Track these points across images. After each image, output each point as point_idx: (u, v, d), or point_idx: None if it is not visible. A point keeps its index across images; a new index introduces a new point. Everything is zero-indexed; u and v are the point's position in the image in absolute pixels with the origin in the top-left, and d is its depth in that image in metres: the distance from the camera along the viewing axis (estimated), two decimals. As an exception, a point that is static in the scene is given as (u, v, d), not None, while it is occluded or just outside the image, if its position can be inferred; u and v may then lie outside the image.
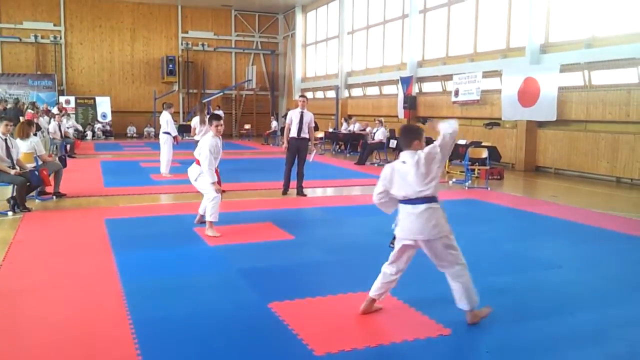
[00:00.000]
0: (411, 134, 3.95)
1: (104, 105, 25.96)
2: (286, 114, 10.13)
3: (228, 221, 7.13)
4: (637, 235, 6.97)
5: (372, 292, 4.11)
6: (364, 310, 4.12)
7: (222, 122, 6.80)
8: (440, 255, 3.89)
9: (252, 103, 30.01)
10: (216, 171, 6.73)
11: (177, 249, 5.99)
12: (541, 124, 14.11)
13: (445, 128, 3.93)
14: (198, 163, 6.67)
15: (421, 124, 16.36)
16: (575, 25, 13.26)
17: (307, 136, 9.61)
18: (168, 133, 12.14)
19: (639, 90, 11.58)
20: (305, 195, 9.68)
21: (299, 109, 9.58)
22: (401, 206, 3.92)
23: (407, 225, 3.87)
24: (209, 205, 6.53)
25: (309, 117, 9.62)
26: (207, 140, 6.58)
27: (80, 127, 21.47)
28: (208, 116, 8.93)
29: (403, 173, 3.86)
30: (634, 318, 4.14)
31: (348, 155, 18.09)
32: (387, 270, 4.06)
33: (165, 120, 12.20)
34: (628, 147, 11.70)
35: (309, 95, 27.91)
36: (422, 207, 3.80)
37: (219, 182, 7.04)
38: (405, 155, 3.90)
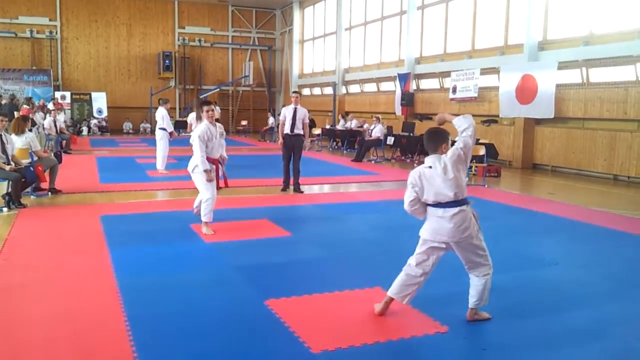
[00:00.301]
0: (438, 138, 3.87)
1: (100, 101, 25.86)
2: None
3: (224, 218, 7.10)
4: (634, 233, 6.97)
5: (393, 293, 3.98)
6: (380, 311, 4.01)
7: (212, 107, 6.58)
8: (469, 256, 3.88)
9: (249, 99, 29.97)
10: (216, 163, 6.61)
11: (173, 245, 5.95)
12: (539, 121, 14.10)
13: (462, 123, 3.88)
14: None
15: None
16: (573, 23, 13.25)
17: (301, 132, 9.60)
18: (164, 129, 12.09)
19: (637, 87, 11.57)
20: (302, 192, 9.65)
21: (292, 105, 9.61)
22: (430, 209, 3.87)
23: (438, 228, 3.82)
24: (203, 206, 6.44)
25: (302, 113, 9.63)
26: (198, 127, 6.47)
27: (67, 123, 20.92)
28: None
29: (430, 178, 3.79)
30: (631, 315, 4.13)
31: (345, 152, 18.06)
32: (412, 272, 3.96)
33: (161, 116, 12.15)
34: (625, 145, 11.70)
35: (306, 91, 27.90)
36: (454, 210, 3.75)
37: (225, 180, 6.98)
38: (430, 159, 3.84)
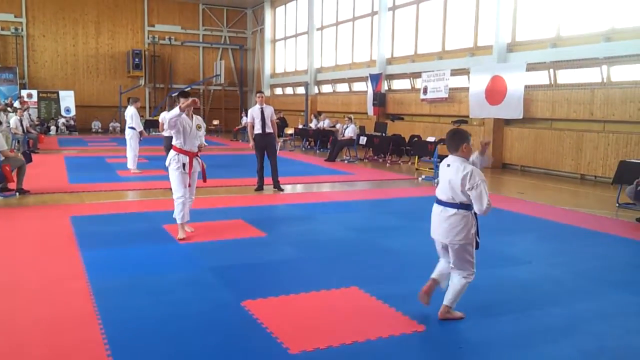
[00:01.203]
0: (459, 138, 3.92)
1: (67, 100, 25.35)
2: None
3: (198, 218, 7.04)
4: (602, 231, 7.14)
5: (436, 275, 4.14)
6: (426, 289, 4.09)
7: (194, 99, 6.15)
8: (456, 258, 3.94)
9: (221, 98, 29.77)
10: (191, 156, 6.22)
11: (147, 246, 5.88)
12: (508, 122, 14.33)
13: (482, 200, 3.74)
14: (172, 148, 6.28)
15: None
16: (541, 25, 13.51)
17: (272, 130, 9.64)
18: (133, 128, 11.92)
19: (603, 89, 11.86)
20: (282, 190, 9.78)
21: (258, 106, 9.66)
22: (434, 205, 3.99)
23: (434, 226, 3.99)
24: (175, 205, 6.21)
25: (269, 111, 9.72)
26: (171, 111, 6.14)
27: (34, 122, 20.33)
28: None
29: (443, 175, 3.92)
30: (602, 312, 4.22)
31: (318, 151, 18.08)
32: (441, 263, 4.16)
33: (130, 114, 11.99)
34: (592, 145, 11.98)
35: (279, 91, 27.87)
36: (451, 211, 3.85)
37: (204, 175, 6.72)
38: (450, 159, 3.93)
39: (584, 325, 3.95)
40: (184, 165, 6.17)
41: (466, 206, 3.81)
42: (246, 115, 24.67)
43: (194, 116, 6.37)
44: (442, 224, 3.89)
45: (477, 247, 3.95)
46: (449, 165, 3.89)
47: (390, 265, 5.41)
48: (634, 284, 4.95)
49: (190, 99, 6.10)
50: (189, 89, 27.52)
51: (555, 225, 7.49)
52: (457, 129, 4.05)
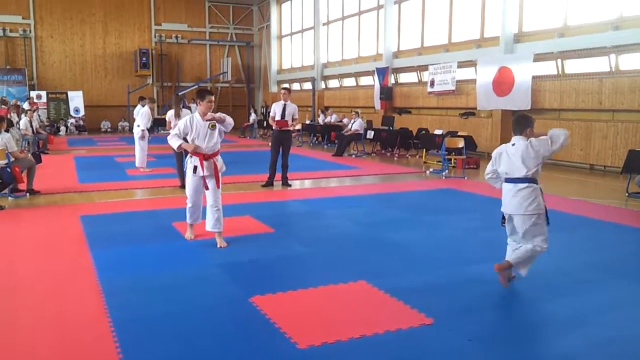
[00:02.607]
0: (525, 122, 4.42)
1: (76, 100, 25.50)
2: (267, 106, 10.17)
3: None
4: (612, 221, 7.10)
5: (509, 257, 4.45)
6: (500, 267, 4.40)
7: (211, 97, 5.88)
8: (528, 230, 4.33)
9: (228, 95, 29.82)
10: (201, 157, 5.71)
11: (156, 244, 5.92)
12: (516, 113, 14.23)
13: (558, 136, 4.31)
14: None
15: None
16: (548, 15, 13.41)
17: (290, 128, 9.67)
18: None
19: (611, 78, 11.76)
20: (290, 186, 9.83)
21: (282, 102, 9.65)
22: (504, 184, 4.42)
23: (507, 201, 4.38)
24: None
25: (291, 108, 9.70)
26: (185, 119, 5.84)
27: (43, 123, 20.43)
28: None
29: (511, 154, 4.35)
30: (611, 303, 4.21)
31: (326, 147, 18.08)
32: (510, 245, 4.53)
33: (140, 113, 12.08)
34: (600, 135, 11.90)
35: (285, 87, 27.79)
36: (522, 185, 4.28)
37: (216, 179, 5.98)
38: (515, 139, 4.39)
39: (594, 316, 3.93)
40: (195, 167, 5.79)
41: (535, 180, 4.30)
42: (255, 112, 24.89)
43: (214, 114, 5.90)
44: (514, 198, 4.30)
45: (548, 223, 4.37)
46: (513, 145, 4.36)
47: (398, 259, 5.42)
48: (643, 274, 4.93)
49: (206, 101, 5.76)
50: (196, 87, 27.62)
51: (564, 215, 7.45)
52: (524, 114, 4.51)
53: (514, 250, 4.50)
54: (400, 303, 4.15)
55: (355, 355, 3.35)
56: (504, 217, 4.53)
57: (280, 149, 9.74)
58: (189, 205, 6.03)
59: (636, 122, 11.22)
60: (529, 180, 4.28)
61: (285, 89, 9.88)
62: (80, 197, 8.89)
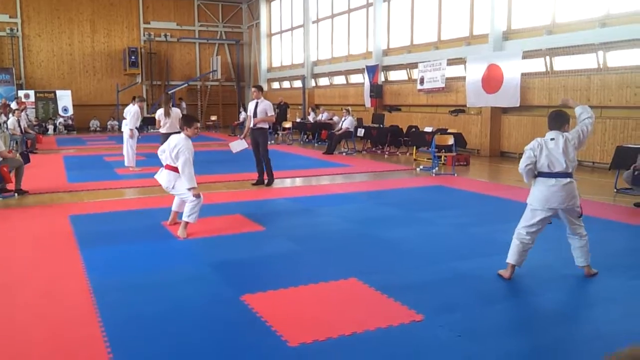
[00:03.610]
0: (562, 119, 4.53)
1: (65, 99, 25.33)
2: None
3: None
4: (600, 217, 7.15)
5: (515, 261, 4.61)
6: (509, 276, 4.62)
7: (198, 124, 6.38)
8: (573, 220, 4.58)
9: (218, 94, 29.74)
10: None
11: (146, 244, 5.90)
12: (505, 110, 14.33)
13: (583, 112, 4.56)
14: (169, 168, 6.20)
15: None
16: (536, 12, 13.48)
17: (264, 126, 9.63)
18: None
19: (599, 75, 11.85)
20: (266, 185, 9.75)
21: (255, 100, 9.65)
22: (543, 180, 4.47)
23: (549, 197, 4.44)
24: (189, 205, 6.13)
25: (262, 106, 9.61)
26: (181, 141, 6.08)
27: (32, 122, 20.28)
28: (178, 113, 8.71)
29: (551, 148, 4.44)
30: (599, 297, 4.25)
31: (316, 145, 18.08)
32: (525, 239, 4.60)
33: (130, 112, 12.03)
34: (589, 131, 11.95)
35: (276, 85, 27.84)
36: (566, 180, 4.42)
37: None
38: (553, 133, 4.49)
39: (581, 310, 3.98)
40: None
41: (572, 175, 4.45)
42: (245, 111, 24.92)
43: None
44: (558, 193, 4.40)
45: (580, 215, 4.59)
46: (552, 139, 4.45)
47: (389, 256, 5.44)
48: (631, 269, 4.97)
49: (193, 127, 6.20)
50: (185, 85, 27.56)
51: (553, 212, 7.49)
52: (560, 111, 4.59)
53: (524, 251, 4.63)
54: (391, 300, 4.17)
55: (346, 352, 3.36)
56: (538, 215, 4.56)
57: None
58: (201, 202, 6.22)
59: (624, 118, 11.32)
60: (571, 175, 4.44)
61: (255, 87, 9.91)
62: (70, 196, 8.84)
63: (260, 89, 9.84)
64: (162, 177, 6.30)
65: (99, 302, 4.15)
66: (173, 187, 6.27)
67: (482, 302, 4.14)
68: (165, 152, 6.27)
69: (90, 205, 8.07)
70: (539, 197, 4.48)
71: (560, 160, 4.39)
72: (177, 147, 6.08)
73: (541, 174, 4.48)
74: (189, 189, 6.08)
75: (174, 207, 6.67)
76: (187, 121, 6.24)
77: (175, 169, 6.14)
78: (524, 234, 4.59)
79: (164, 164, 6.32)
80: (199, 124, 6.29)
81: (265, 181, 9.83)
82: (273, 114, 9.78)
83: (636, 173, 7.84)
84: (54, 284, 4.63)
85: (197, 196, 6.13)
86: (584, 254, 4.65)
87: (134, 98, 12.92)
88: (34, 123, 21.32)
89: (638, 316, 3.91)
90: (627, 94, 11.24)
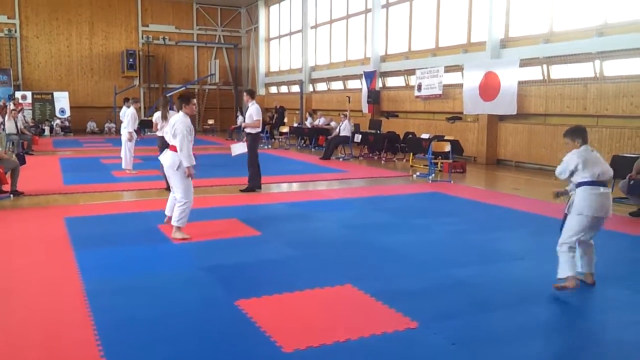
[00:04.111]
0: (586, 133, 4.74)
1: (62, 101, 25.29)
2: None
3: (193, 218, 7.05)
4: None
5: (572, 271, 4.53)
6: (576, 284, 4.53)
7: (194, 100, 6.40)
8: (598, 228, 4.66)
9: (216, 98, 29.75)
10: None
11: (141, 247, 5.88)
12: (502, 118, 14.37)
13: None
14: (173, 149, 6.14)
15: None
16: (534, 21, 13.54)
17: (251, 130, 9.50)
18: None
19: (596, 84, 11.89)
20: (251, 191, 9.56)
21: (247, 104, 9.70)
22: (591, 188, 4.53)
23: (603, 204, 4.52)
24: (177, 210, 6.14)
25: (250, 110, 9.47)
26: (180, 118, 6.07)
27: (28, 124, 20.20)
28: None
29: (597, 158, 4.62)
30: (594, 307, 4.26)
31: (313, 150, 18.09)
32: (574, 247, 4.62)
33: (125, 114, 12.03)
34: (585, 140, 11.99)
35: (273, 89, 27.86)
36: (609, 189, 4.60)
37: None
38: (588, 147, 4.65)
39: (577, 320, 3.98)
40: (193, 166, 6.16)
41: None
42: (242, 115, 24.90)
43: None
44: (608, 200, 4.54)
45: None
46: (592, 151, 4.62)
47: (384, 263, 5.44)
48: (626, 278, 4.98)
49: (191, 104, 6.25)
50: (183, 88, 27.53)
51: (549, 220, 7.49)
52: (581, 127, 4.85)
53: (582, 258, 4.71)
54: (386, 307, 4.16)
55: (340, 359, 3.35)
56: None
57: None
58: (189, 203, 6.23)
59: (620, 127, 11.35)
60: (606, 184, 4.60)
61: (245, 91, 9.92)
62: (65, 198, 8.82)
63: (249, 92, 9.74)
64: (166, 157, 6.22)
65: (92, 305, 4.13)
66: (175, 169, 6.11)
67: (477, 310, 4.14)
68: (167, 133, 6.28)
69: (86, 208, 8.05)
70: (592, 206, 4.52)
71: (608, 171, 4.59)
72: (174, 125, 6.08)
73: (592, 183, 4.55)
74: (186, 168, 6.04)
75: (167, 211, 6.65)
76: (184, 99, 6.24)
77: (173, 148, 6.12)
78: (573, 242, 4.62)
79: (170, 144, 6.26)
80: (195, 100, 6.34)
81: (246, 187, 9.65)
82: (258, 118, 9.61)
83: (632, 182, 7.85)
84: (49, 286, 4.61)
85: (190, 176, 6.13)
86: (592, 261, 4.72)
87: (126, 100, 12.91)
88: (30, 124, 21.24)
89: (633, 325, 3.91)
90: (624, 103, 11.29)
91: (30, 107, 24.26)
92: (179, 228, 6.21)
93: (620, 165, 8.91)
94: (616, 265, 5.49)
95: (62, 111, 25.24)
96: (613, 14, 11.68)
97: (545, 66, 13.16)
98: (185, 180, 6.15)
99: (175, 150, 6.10)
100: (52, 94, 25.32)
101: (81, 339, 3.56)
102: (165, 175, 9.31)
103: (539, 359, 3.37)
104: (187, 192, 6.18)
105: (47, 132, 23.94)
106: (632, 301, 4.41)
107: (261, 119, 9.74)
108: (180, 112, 6.18)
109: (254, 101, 9.58)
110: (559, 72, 13.03)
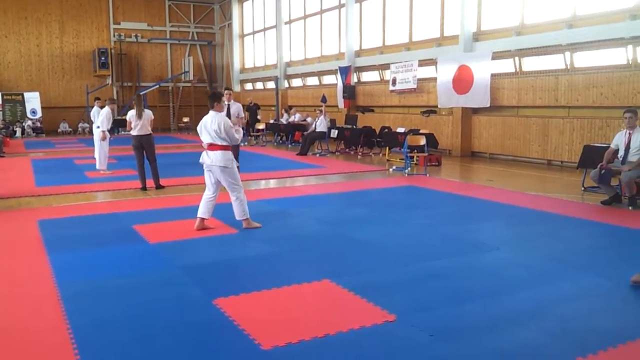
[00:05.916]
0: None
1: (33, 101, 24.84)
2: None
3: (168, 217, 6.99)
4: (569, 215, 7.29)
5: None
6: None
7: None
8: None
9: (190, 95, 29.50)
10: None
11: (116, 248, 5.82)
12: (475, 111, 14.51)
13: None
14: (215, 148, 6.27)
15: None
16: (506, 14, 13.68)
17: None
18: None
19: (567, 75, 12.08)
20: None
21: (226, 103, 9.67)
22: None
23: None
24: (238, 205, 6.45)
25: (234, 108, 9.83)
26: (217, 118, 6.23)
27: None
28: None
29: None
30: (568, 295, 4.32)
31: (290, 146, 18.06)
32: None
33: (98, 113, 11.85)
34: (557, 131, 12.20)
35: (249, 86, 27.73)
36: None
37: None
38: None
39: (551, 308, 4.03)
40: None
41: None
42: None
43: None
44: None
45: None
46: None
47: (362, 257, 5.46)
48: (598, 266, 5.07)
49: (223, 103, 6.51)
50: (157, 86, 27.25)
51: (523, 211, 7.62)
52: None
53: None
54: (364, 301, 4.18)
55: (319, 354, 3.36)
56: None
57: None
58: (245, 197, 6.59)
59: (591, 118, 11.55)
60: None
61: (227, 88, 10.15)
62: (38, 201, 8.68)
63: (229, 91, 9.96)
64: (217, 158, 6.30)
65: (67, 308, 4.08)
66: (228, 166, 6.31)
67: (454, 302, 4.18)
68: (202, 133, 6.38)
69: (59, 210, 7.93)
70: None
71: None
72: (218, 125, 6.19)
73: None
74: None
75: (202, 214, 6.56)
76: (216, 97, 6.41)
77: (221, 147, 6.27)
78: None
79: (206, 143, 6.35)
80: (227, 91, 6.71)
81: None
82: (243, 116, 9.91)
83: (602, 172, 8.00)
84: (21, 289, 4.54)
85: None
86: None
87: (97, 99, 12.72)
88: (1, 126, 20.88)
89: (605, 312, 3.99)
90: (594, 94, 11.48)
91: (0, 108, 23.79)
92: (248, 219, 6.50)
93: (592, 155, 9.08)
94: (588, 253, 5.59)
95: (34, 112, 24.80)
96: (582, 6, 11.87)
97: (517, 59, 13.32)
98: (238, 173, 6.48)
99: (218, 149, 6.26)
100: (22, 95, 24.85)
101: (56, 343, 3.51)
102: (141, 175, 9.30)
103: (516, 349, 3.42)
104: (240, 183, 6.50)
105: (18, 134, 23.51)
106: (605, 289, 4.49)
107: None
108: (212, 112, 6.31)
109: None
110: (530, 64, 13.20)
